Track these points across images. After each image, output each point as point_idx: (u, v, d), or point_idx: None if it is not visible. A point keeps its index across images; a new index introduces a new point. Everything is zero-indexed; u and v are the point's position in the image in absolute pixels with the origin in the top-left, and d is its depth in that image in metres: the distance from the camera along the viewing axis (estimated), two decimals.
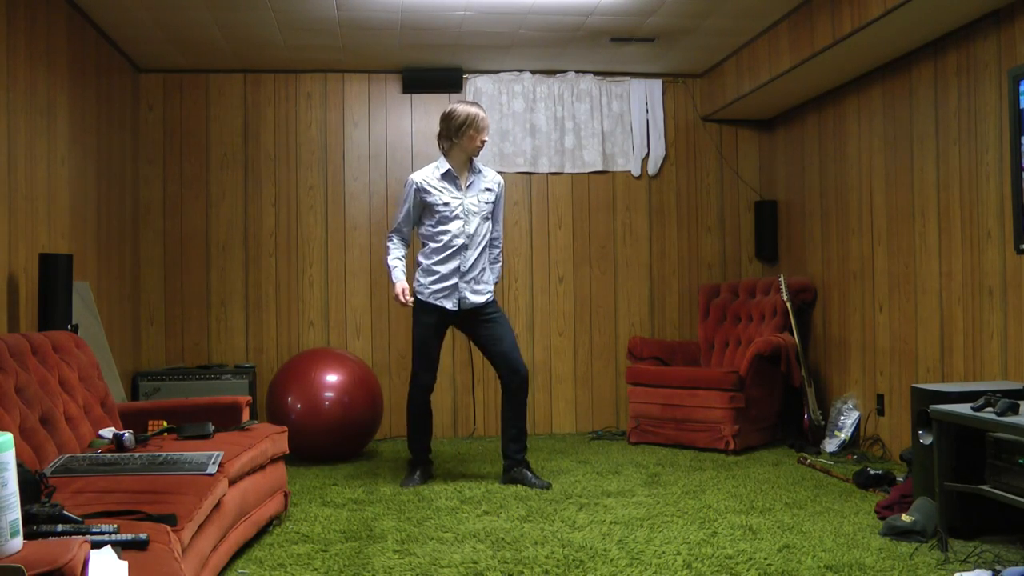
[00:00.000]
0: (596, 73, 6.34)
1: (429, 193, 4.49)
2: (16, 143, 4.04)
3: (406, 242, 4.64)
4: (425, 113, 6.25)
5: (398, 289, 4.49)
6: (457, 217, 4.48)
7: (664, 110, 6.43)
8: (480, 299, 4.52)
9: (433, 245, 4.50)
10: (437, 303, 4.48)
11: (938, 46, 4.60)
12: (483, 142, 4.52)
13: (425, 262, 4.51)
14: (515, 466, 4.52)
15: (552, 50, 5.81)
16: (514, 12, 5.06)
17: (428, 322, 4.51)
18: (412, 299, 4.50)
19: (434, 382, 4.61)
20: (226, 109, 6.11)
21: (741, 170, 6.57)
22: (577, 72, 6.31)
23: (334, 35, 5.42)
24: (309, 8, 4.93)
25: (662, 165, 6.45)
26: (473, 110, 4.49)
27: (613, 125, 6.36)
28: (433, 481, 4.61)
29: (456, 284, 4.47)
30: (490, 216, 4.59)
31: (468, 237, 4.48)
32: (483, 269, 4.55)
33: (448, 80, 6.15)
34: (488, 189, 4.57)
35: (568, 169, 6.31)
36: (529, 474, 4.50)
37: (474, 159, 4.59)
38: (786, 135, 6.33)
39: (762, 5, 4.94)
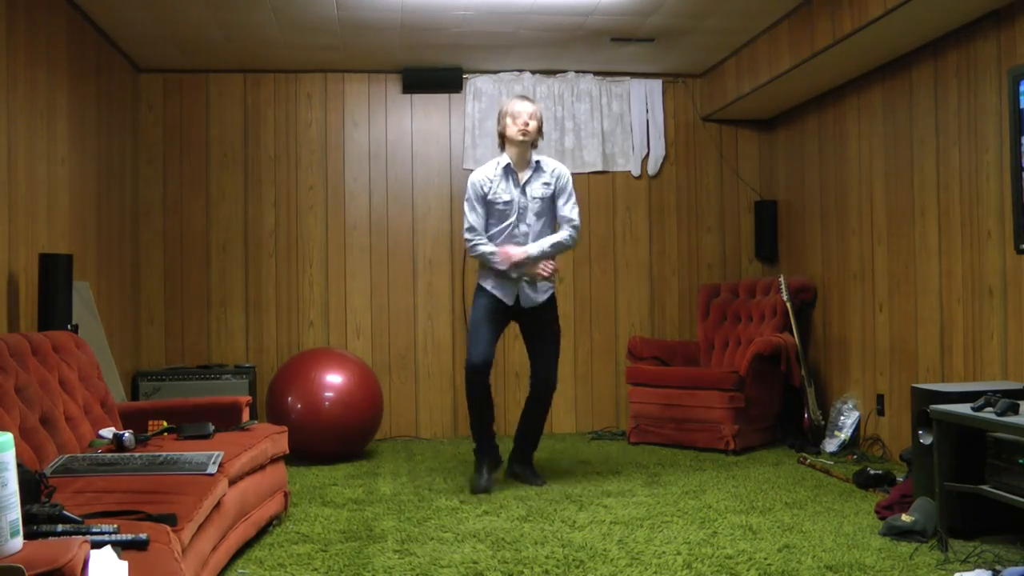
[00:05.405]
0: (596, 73, 6.33)
1: (491, 189, 4.44)
2: (16, 143, 4.03)
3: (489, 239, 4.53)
4: (425, 113, 6.25)
5: (517, 254, 4.38)
6: (513, 214, 4.45)
7: (664, 110, 6.43)
8: (541, 297, 4.50)
9: (495, 242, 4.48)
10: (494, 292, 4.46)
11: (938, 46, 4.60)
12: (525, 124, 4.40)
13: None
14: (519, 459, 4.61)
15: (552, 50, 5.81)
16: (514, 12, 5.06)
17: (483, 304, 4.47)
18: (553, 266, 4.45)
19: (487, 359, 4.39)
20: (226, 109, 6.11)
21: (741, 170, 6.57)
22: (577, 72, 6.31)
23: (334, 35, 5.42)
24: (309, 8, 4.93)
25: (662, 165, 6.45)
26: (508, 100, 4.51)
27: (613, 125, 6.36)
28: (498, 478, 4.60)
29: (516, 280, 4.45)
30: (547, 212, 4.51)
31: (525, 236, 4.46)
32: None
33: (448, 80, 6.15)
34: (545, 184, 4.49)
35: (568, 169, 6.29)
36: (528, 471, 4.57)
37: (533, 155, 4.51)
38: (786, 135, 6.32)
39: (762, 5, 4.94)
